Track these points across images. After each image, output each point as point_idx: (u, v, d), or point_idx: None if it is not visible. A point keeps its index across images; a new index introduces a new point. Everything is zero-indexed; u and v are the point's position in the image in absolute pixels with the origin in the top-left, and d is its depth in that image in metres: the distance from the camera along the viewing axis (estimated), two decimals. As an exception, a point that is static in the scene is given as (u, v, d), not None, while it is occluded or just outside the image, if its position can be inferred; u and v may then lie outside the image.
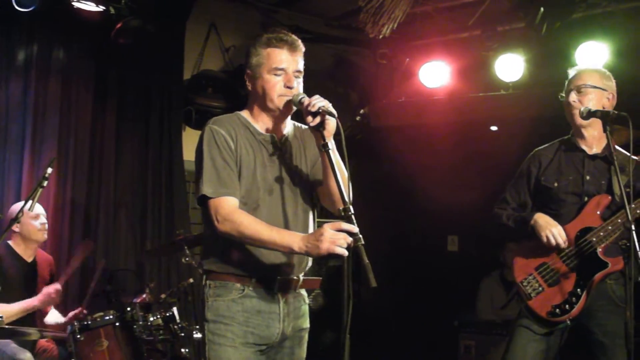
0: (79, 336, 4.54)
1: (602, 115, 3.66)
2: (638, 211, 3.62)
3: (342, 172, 2.81)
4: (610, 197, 3.73)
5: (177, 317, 4.88)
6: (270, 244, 2.80)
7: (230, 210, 2.85)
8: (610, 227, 3.67)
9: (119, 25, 5.69)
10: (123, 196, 6.18)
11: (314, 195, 3.13)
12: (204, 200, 2.91)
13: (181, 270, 6.15)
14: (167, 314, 4.87)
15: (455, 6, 6.27)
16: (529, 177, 3.96)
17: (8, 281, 4.81)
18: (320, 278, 3.02)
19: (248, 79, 3.06)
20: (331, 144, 2.82)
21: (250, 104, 3.10)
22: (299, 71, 3.01)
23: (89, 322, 4.60)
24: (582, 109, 3.73)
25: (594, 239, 3.68)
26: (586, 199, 3.77)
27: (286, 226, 2.96)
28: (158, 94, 6.43)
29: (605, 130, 3.65)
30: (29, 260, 5.04)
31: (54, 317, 5.11)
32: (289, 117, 3.12)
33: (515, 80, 6.04)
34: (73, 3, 5.49)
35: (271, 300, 2.96)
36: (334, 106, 2.84)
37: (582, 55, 5.59)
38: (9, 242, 4.96)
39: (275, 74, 2.98)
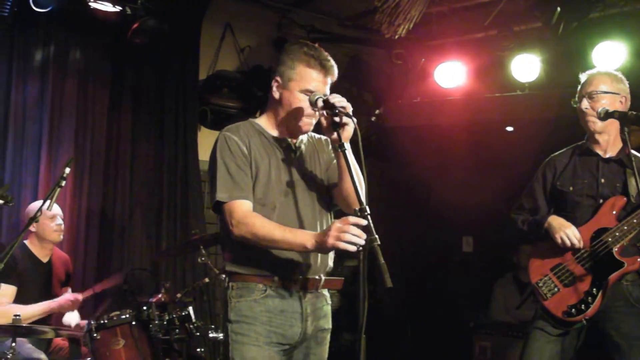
0: (95, 335, 4.56)
1: (620, 116, 3.65)
2: (634, 221, 3.63)
3: (357, 173, 2.80)
4: (625, 199, 3.72)
5: (193, 316, 4.89)
6: (284, 244, 2.81)
7: (244, 214, 2.88)
8: (625, 227, 3.65)
9: (135, 26, 5.71)
10: (139, 196, 6.20)
11: (329, 198, 3.13)
12: (219, 206, 2.93)
13: (197, 269, 6.16)
14: (183, 314, 4.88)
15: (471, 6, 6.25)
16: (544, 183, 3.98)
17: (24, 281, 4.84)
18: (343, 279, 3.01)
19: (276, 86, 3.05)
20: (347, 145, 2.82)
21: (271, 110, 3.10)
22: (326, 94, 2.98)
23: (106, 321, 4.62)
24: (599, 109, 3.72)
25: (610, 239, 3.66)
26: (601, 201, 3.77)
27: (302, 227, 2.97)
28: (173, 94, 6.44)
29: (622, 131, 3.64)
30: (45, 260, 5.06)
31: (70, 317, 5.12)
32: None
33: (531, 80, 6.02)
34: (90, 3, 5.52)
35: (293, 300, 2.97)
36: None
37: (599, 56, 5.56)
38: (25, 241, 4.99)
39: (306, 94, 2.97)
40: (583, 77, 3.93)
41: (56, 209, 5.00)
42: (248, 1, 6.79)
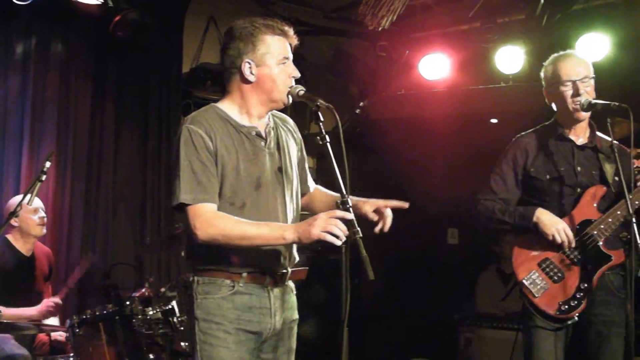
0: (78, 330, 4.53)
1: (603, 107, 3.63)
2: (637, 202, 3.56)
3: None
4: (605, 188, 3.67)
5: (177, 310, 4.87)
6: (259, 239, 2.73)
7: (211, 216, 2.76)
8: (610, 220, 3.61)
9: (117, 18, 5.66)
10: (122, 190, 6.17)
11: (299, 188, 3.08)
12: (181, 206, 2.80)
13: (181, 264, 6.14)
14: (167, 308, 4.86)
15: (454, -2, 6.25)
16: (515, 166, 3.80)
17: (6, 276, 4.81)
18: (307, 268, 2.96)
19: (247, 68, 2.89)
20: (328, 137, 2.77)
21: (240, 94, 2.95)
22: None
23: (89, 316, 4.59)
24: (583, 100, 3.69)
25: (595, 232, 3.60)
26: (579, 190, 3.69)
27: (277, 220, 2.89)
28: (157, 87, 6.41)
29: (606, 122, 3.63)
30: (28, 254, 5.02)
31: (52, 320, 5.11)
32: None
33: (515, 72, 6.02)
34: (71, -4, 5.47)
35: (262, 295, 2.88)
36: (333, 99, 2.82)
37: (583, 47, 5.57)
38: (7, 236, 4.94)
39: (283, 64, 2.91)
40: (564, 59, 3.78)
41: (37, 203, 4.96)
42: (231, -7, 6.77)
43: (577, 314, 3.56)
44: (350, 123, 7.02)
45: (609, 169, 3.65)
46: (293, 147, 3.10)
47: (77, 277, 5.20)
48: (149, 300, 4.95)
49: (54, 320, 5.09)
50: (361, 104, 7.07)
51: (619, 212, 3.59)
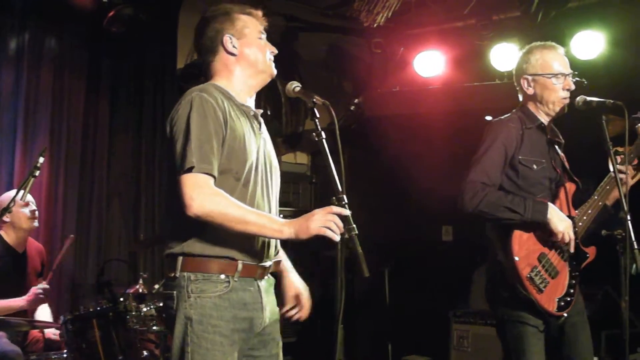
0: (71, 327, 4.52)
1: (598, 104, 3.64)
2: (600, 203, 3.63)
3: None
4: (576, 186, 3.69)
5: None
6: (256, 228, 2.63)
7: (212, 191, 2.60)
8: (585, 217, 3.63)
9: (111, 14, 5.65)
10: (116, 186, 6.16)
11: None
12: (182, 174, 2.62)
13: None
14: (160, 305, 4.84)
15: (450, -5, 6.26)
16: (506, 151, 3.58)
17: (-1, 272, 4.79)
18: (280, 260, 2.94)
19: (229, 43, 2.89)
20: (324, 134, 2.75)
21: (227, 70, 2.91)
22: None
23: (82, 313, 4.57)
24: (578, 98, 3.70)
25: (576, 229, 3.56)
26: (554, 185, 3.64)
27: (263, 208, 2.82)
28: (151, 82, 6.41)
29: (600, 120, 3.64)
30: (20, 250, 5.00)
31: (44, 313, 5.07)
32: None
33: (510, 69, 6.02)
34: (65, -9, 5.46)
35: (254, 290, 2.79)
36: (328, 95, 2.82)
37: (577, 45, 5.58)
38: (0, 232, 4.92)
39: (260, 38, 2.97)
40: (553, 50, 3.78)
41: (28, 197, 4.93)
42: (226, -11, 6.74)
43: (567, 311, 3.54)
44: (345, 119, 7.01)
45: (568, 168, 3.70)
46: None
47: (60, 258, 5.15)
48: (143, 296, 4.93)
49: (47, 316, 5.07)
50: (356, 100, 7.06)
51: (590, 211, 3.63)
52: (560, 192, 3.63)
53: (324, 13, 7.06)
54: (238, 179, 2.73)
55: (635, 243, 3.37)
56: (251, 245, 2.76)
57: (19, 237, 4.98)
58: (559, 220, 3.47)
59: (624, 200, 3.42)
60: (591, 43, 5.56)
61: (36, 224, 5.03)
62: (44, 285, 4.92)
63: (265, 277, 2.88)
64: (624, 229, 3.40)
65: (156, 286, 5.15)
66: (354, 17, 5.95)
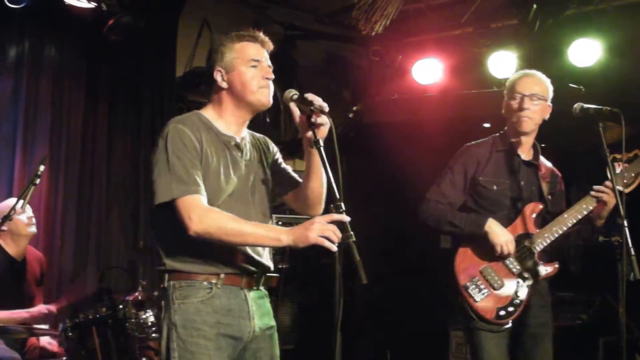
0: (70, 334, 4.52)
1: (596, 111, 3.67)
2: (569, 221, 3.79)
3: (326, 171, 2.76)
4: (542, 205, 3.88)
5: (170, 314, 4.85)
6: (254, 239, 2.76)
7: (207, 208, 2.75)
8: (546, 234, 3.81)
9: (110, 22, 5.66)
10: (115, 194, 6.16)
11: (271, 202, 3.11)
12: (169, 203, 2.76)
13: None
14: (160, 312, 4.85)
15: (447, 3, 6.28)
16: (465, 174, 3.94)
17: (-2, 281, 4.78)
18: (277, 275, 2.98)
19: (219, 76, 2.98)
20: (321, 142, 2.79)
21: (218, 101, 3.02)
22: (269, 66, 3.01)
23: (81, 320, 4.58)
24: (575, 105, 3.74)
25: (532, 246, 3.80)
26: (520, 204, 3.88)
27: None
28: (150, 91, 6.41)
29: (598, 127, 3.66)
30: (19, 259, 4.98)
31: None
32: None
33: (508, 77, 6.03)
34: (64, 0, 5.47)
35: (239, 298, 2.89)
36: (326, 103, 2.83)
37: (574, 53, 5.60)
38: (-1, 241, 4.92)
39: (253, 66, 2.96)
40: (518, 74, 3.99)
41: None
42: (225, -3, 6.78)
43: (511, 320, 3.76)
44: (343, 127, 7.03)
45: (545, 187, 3.90)
46: (268, 161, 3.13)
47: (80, 295, 5.21)
48: (142, 304, 4.94)
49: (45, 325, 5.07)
50: (354, 108, 7.09)
51: (554, 228, 3.80)
52: (524, 210, 3.86)
53: (322, 21, 7.09)
54: (213, 202, 2.82)
55: (632, 249, 3.41)
56: (236, 258, 2.88)
57: (19, 246, 4.97)
58: (497, 233, 3.74)
59: (621, 207, 3.46)
60: (588, 51, 5.59)
61: (34, 229, 5.02)
62: (52, 307, 4.93)
63: (255, 289, 2.97)
64: (621, 236, 3.44)
65: (155, 293, 5.17)
66: (352, 25, 5.98)
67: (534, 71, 4.00)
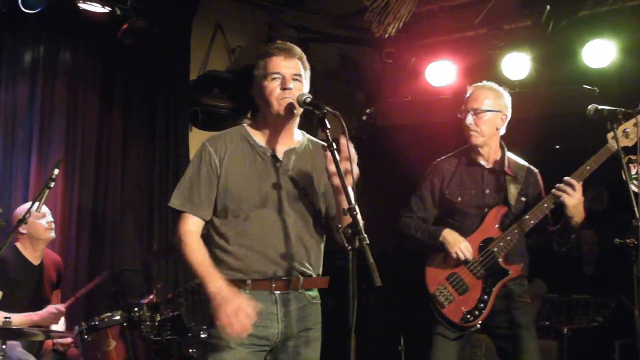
0: (86, 336, 4.55)
1: (610, 113, 3.66)
2: (532, 222, 3.88)
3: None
4: (506, 208, 3.99)
5: (185, 317, 4.88)
6: (200, 279, 2.97)
7: (186, 231, 3.02)
8: (509, 237, 3.92)
9: (124, 27, 5.69)
10: (130, 197, 6.19)
11: (320, 210, 3.13)
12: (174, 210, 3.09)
13: (188, 270, 6.11)
14: (175, 314, 4.87)
15: (461, 5, 6.26)
16: (432, 189, 4.16)
17: (14, 284, 4.80)
18: (327, 278, 3.02)
19: (254, 92, 3.12)
20: (334, 145, 2.80)
21: (257, 115, 3.19)
22: (297, 74, 3.03)
23: (97, 323, 4.60)
24: (589, 107, 3.74)
25: (496, 249, 3.93)
26: (486, 210, 4.02)
27: (277, 237, 3.00)
28: (164, 94, 6.43)
29: (611, 129, 3.65)
30: (36, 263, 5.02)
31: (58, 323, 5.11)
32: (295, 128, 3.14)
33: (521, 78, 6.01)
34: (79, 4, 5.50)
35: (268, 301, 2.99)
36: (340, 106, 2.84)
37: (589, 53, 5.57)
38: (16, 244, 4.95)
39: (273, 79, 3.01)
40: (469, 89, 4.13)
41: (44, 208, 4.96)
42: (238, 1, 6.78)
43: (479, 322, 3.95)
44: (357, 130, 7.02)
45: (513, 190, 3.99)
46: (318, 173, 3.11)
47: (86, 289, 5.23)
48: (157, 306, 4.96)
49: (60, 326, 5.10)
50: (368, 110, 7.08)
51: (516, 231, 3.91)
52: (487, 215, 4.01)
53: (335, 24, 7.09)
54: (236, 216, 3.01)
55: (647, 251, 3.39)
56: (263, 264, 3.00)
57: (36, 249, 5.00)
58: (451, 243, 3.94)
59: (635, 208, 3.43)
60: (602, 51, 5.55)
61: (53, 234, 5.07)
62: (61, 306, 4.96)
63: (289, 292, 3.04)
64: (636, 237, 3.42)
65: (170, 296, 5.19)
66: (365, 27, 5.96)
67: (483, 83, 4.16)
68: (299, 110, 3.03)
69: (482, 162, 4.08)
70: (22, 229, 4.80)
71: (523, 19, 5.87)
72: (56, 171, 4.10)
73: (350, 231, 2.63)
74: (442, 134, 6.44)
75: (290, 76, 3.01)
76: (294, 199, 3.05)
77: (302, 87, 3.05)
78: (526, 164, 4.11)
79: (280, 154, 3.08)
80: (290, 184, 3.05)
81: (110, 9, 5.62)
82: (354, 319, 2.60)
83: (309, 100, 2.91)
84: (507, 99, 4.09)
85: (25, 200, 5.34)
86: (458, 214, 4.06)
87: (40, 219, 4.93)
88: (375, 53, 7.06)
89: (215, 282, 2.91)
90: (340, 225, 2.67)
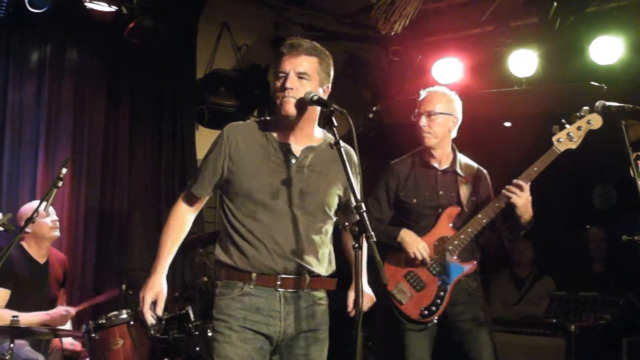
0: (93, 335, 4.55)
1: (617, 109, 3.65)
2: (484, 220, 4.02)
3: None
4: (459, 208, 4.13)
5: (192, 315, 4.88)
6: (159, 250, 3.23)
7: (178, 202, 3.25)
8: (462, 236, 4.06)
9: (131, 25, 5.70)
10: (137, 196, 6.19)
11: (333, 209, 3.12)
12: None
13: (195, 269, 6.16)
14: (182, 313, 4.87)
15: (467, 2, 6.24)
16: (388, 190, 4.26)
17: (21, 284, 4.81)
18: (335, 279, 3.03)
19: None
20: (342, 142, 2.81)
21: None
22: (302, 72, 2.97)
23: (104, 321, 4.61)
24: (597, 103, 3.73)
25: (450, 247, 4.06)
26: (440, 210, 4.14)
27: (286, 232, 2.99)
28: (171, 93, 6.44)
29: (620, 125, 3.64)
30: (42, 261, 5.03)
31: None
32: (315, 126, 3.09)
33: (528, 75, 6.00)
34: (85, 3, 5.50)
35: (271, 298, 2.99)
36: (346, 103, 2.84)
37: (596, 50, 5.55)
38: (22, 243, 4.95)
39: (279, 78, 3.01)
40: (423, 93, 4.22)
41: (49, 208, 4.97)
42: (244, 0, 6.78)
43: (436, 317, 4.07)
44: (363, 127, 7.02)
45: (465, 190, 4.15)
46: (336, 174, 3.06)
47: (102, 299, 5.27)
48: (164, 305, 4.96)
49: (67, 325, 5.11)
50: (374, 108, 7.08)
51: (469, 230, 4.05)
52: (442, 215, 4.14)
53: (341, 22, 7.08)
54: (246, 206, 3.04)
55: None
56: (271, 259, 2.99)
57: (41, 248, 5.02)
58: (408, 242, 4.07)
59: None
60: (610, 48, 5.53)
61: (57, 233, 5.07)
62: (72, 309, 4.97)
63: (295, 290, 3.02)
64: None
65: (177, 294, 5.19)
66: (371, 25, 5.96)
67: (435, 88, 4.28)
68: (309, 109, 2.98)
69: (435, 164, 4.20)
70: (27, 228, 4.80)
71: (530, 15, 5.84)
72: (64, 170, 4.10)
73: (357, 229, 2.63)
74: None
75: (295, 74, 2.97)
76: (306, 196, 3.02)
77: (312, 84, 2.98)
78: (476, 165, 4.26)
79: (297, 151, 3.04)
80: (304, 182, 3.03)
81: (116, 8, 5.62)
82: (360, 316, 2.60)
83: (315, 98, 2.90)
84: (457, 103, 4.22)
85: (32, 199, 5.35)
86: (413, 215, 4.18)
87: (45, 218, 4.93)
88: (381, 51, 7.05)
89: (156, 276, 3.15)
90: (347, 223, 2.67)
